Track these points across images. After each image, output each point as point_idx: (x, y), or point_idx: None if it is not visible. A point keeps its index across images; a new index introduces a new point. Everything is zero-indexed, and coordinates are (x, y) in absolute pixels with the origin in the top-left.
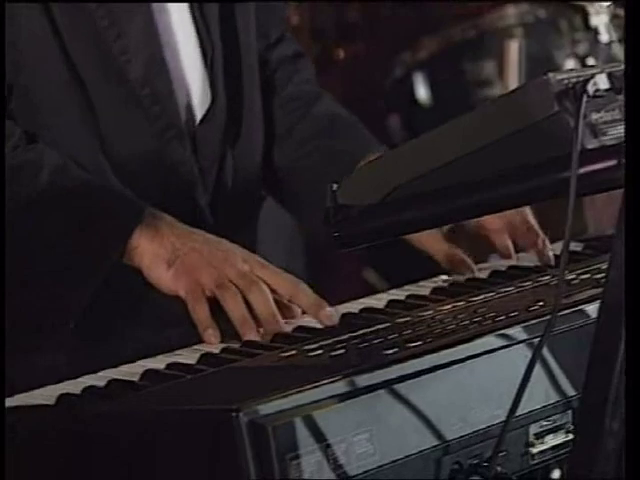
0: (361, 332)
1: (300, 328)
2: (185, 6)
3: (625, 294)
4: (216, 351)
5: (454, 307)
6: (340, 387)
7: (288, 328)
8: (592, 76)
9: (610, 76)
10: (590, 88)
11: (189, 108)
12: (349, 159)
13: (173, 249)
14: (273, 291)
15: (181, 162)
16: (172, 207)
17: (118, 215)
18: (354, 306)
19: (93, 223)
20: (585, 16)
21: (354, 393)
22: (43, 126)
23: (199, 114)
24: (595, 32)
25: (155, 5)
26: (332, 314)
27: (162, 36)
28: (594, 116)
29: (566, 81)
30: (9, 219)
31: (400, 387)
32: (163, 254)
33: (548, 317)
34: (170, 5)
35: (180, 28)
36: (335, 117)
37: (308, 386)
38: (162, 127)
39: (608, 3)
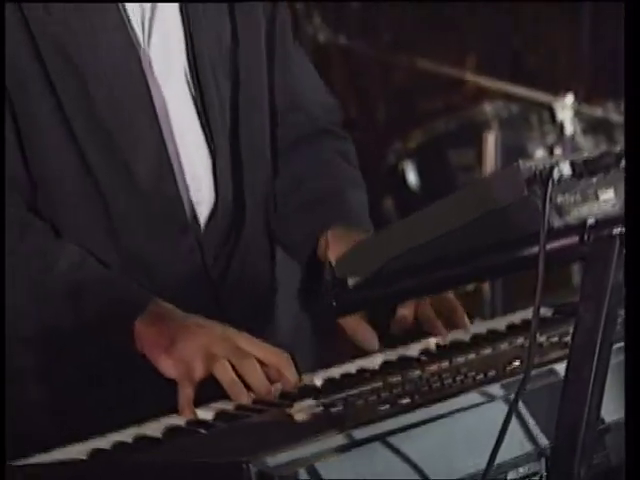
0: (358, 390)
1: (305, 387)
2: (192, 113)
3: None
4: (230, 408)
5: (439, 367)
6: (339, 440)
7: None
8: (557, 164)
9: (572, 164)
10: (555, 174)
11: (195, 204)
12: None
13: (170, 336)
14: (262, 363)
15: (186, 256)
16: (179, 299)
17: (124, 304)
18: (351, 366)
19: (102, 311)
20: (552, 112)
21: (352, 445)
22: (60, 220)
23: (205, 209)
24: (561, 125)
25: (161, 113)
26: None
27: (169, 141)
28: (559, 199)
29: (534, 168)
30: (26, 300)
31: (392, 439)
32: (162, 341)
33: (522, 376)
34: (175, 112)
35: (186, 133)
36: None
37: (311, 439)
38: (167, 223)
39: (572, 100)
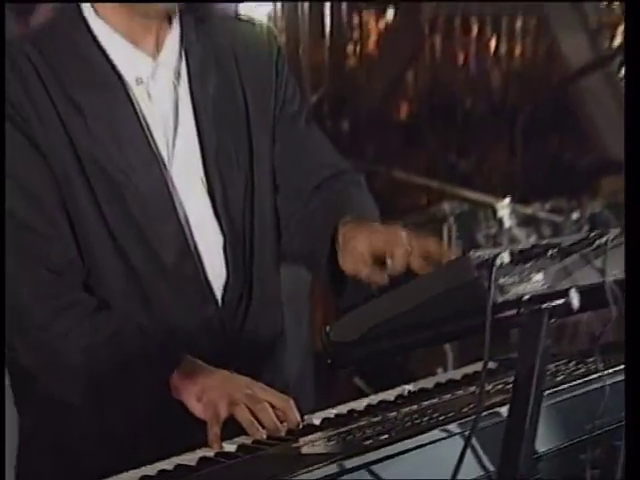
0: (348, 427)
1: (306, 425)
2: (209, 210)
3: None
4: (249, 442)
5: (410, 409)
6: (333, 468)
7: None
8: (499, 253)
9: (511, 253)
10: (498, 261)
11: (210, 281)
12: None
13: (202, 387)
14: (272, 406)
15: (207, 323)
16: (202, 354)
17: (163, 362)
18: (343, 408)
19: (144, 368)
20: (494, 210)
21: (343, 472)
22: (105, 297)
23: (220, 283)
24: (500, 221)
25: (182, 217)
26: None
27: (189, 235)
28: (501, 280)
29: (482, 256)
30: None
31: (375, 468)
32: (194, 390)
33: (474, 416)
34: (194, 212)
35: (204, 226)
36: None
37: (312, 468)
38: (190, 298)
39: (509, 201)
